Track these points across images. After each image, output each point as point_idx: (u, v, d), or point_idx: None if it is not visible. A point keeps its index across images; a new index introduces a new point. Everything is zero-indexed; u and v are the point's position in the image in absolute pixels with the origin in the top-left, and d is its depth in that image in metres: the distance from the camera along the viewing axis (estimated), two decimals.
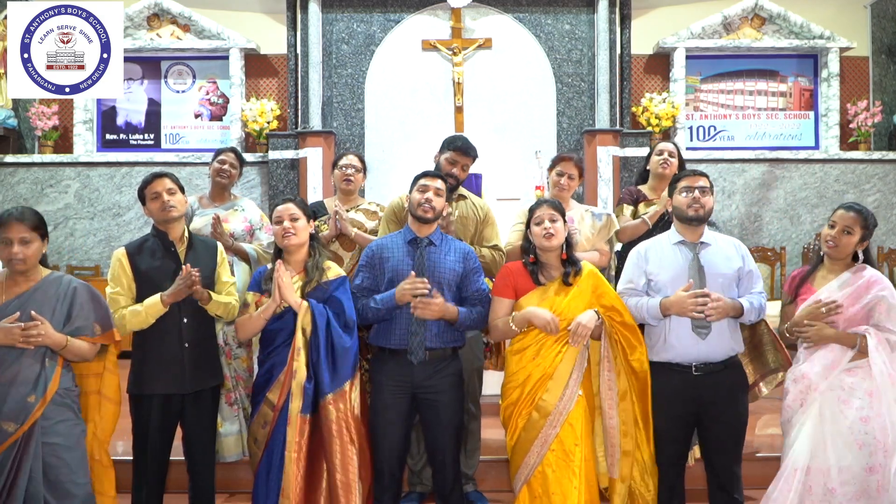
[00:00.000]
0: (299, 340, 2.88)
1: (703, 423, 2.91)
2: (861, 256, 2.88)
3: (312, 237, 3.12)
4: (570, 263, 2.95)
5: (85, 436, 2.80)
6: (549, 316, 2.84)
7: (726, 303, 2.78)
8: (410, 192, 3.14)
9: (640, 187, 3.97)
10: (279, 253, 3.10)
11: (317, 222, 3.27)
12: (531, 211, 3.02)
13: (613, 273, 3.77)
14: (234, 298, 3.13)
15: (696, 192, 2.90)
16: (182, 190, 3.13)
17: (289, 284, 2.92)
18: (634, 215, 3.84)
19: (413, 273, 2.94)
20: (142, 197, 3.09)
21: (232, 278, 3.22)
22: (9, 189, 7.48)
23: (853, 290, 2.80)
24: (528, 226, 3.01)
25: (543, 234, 2.91)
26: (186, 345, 3.00)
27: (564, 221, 2.98)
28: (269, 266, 3.12)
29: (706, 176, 2.99)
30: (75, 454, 2.70)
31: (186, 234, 3.13)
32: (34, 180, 7.52)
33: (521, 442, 2.85)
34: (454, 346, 3.08)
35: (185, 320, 3.01)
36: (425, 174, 3.14)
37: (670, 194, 3.04)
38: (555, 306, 2.89)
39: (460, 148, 3.52)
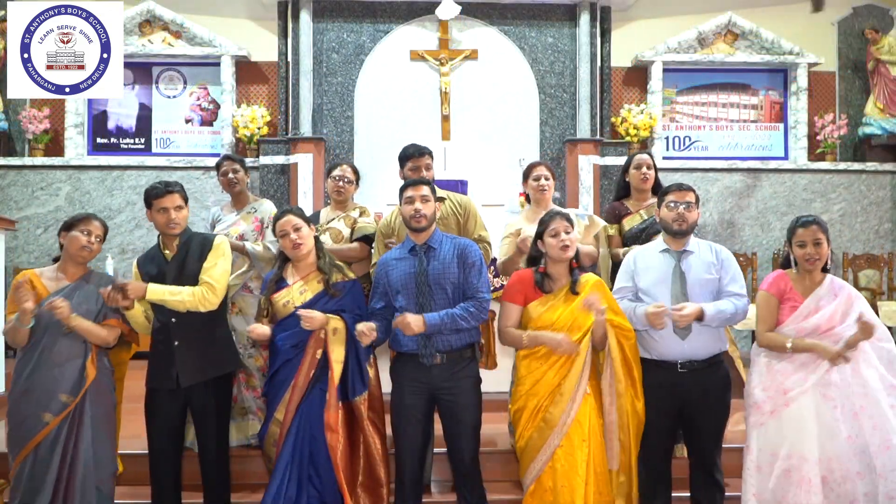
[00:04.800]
0: (336, 353, 3.08)
1: (688, 416, 3.13)
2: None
3: (315, 240, 3.28)
4: (578, 271, 3.09)
5: (115, 411, 3.19)
6: (559, 338, 2.96)
7: (690, 311, 2.96)
8: (400, 204, 3.21)
9: (622, 201, 4.08)
10: (286, 259, 3.24)
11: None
12: (543, 223, 3.11)
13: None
14: (185, 291, 3.13)
15: (682, 208, 3.12)
16: (186, 201, 3.27)
17: (312, 316, 3.06)
18: (620, 232, 3.97)
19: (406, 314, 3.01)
20: (149, 203, 3.20)
21: (216, 268, 3.22)
22: None
23: (836, 305, 3.02)
24: (538, 236, 3.13)
25: (560, 245, 3.03)
26: (176, 342, 3.15)
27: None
28: (274, 270, 3.28)
29: (692, 190, 3.19)
30: (111, 428, 3.16)
31: (185, 239, 3.25)
32: (25, 183, 7.57)
33: (530, 448, 3.01)
34: (469, 342, 3.16)
35: (174, 320, 3.17)
36: (407, 185, 3.20)
37: (658, 205, 3.24)
38: (562, 314, 3.03)
39: (412, 154, 3.67)
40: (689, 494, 3.27)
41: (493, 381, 3.35)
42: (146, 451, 3.28)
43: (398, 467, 3.16)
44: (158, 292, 3.10)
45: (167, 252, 3.25)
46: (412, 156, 3.67)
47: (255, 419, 3.90)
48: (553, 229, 3.06)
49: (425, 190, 3.16)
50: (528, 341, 3.04)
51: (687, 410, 3.12)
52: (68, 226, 3.12)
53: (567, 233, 3.05)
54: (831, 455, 2.94)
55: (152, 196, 3.18)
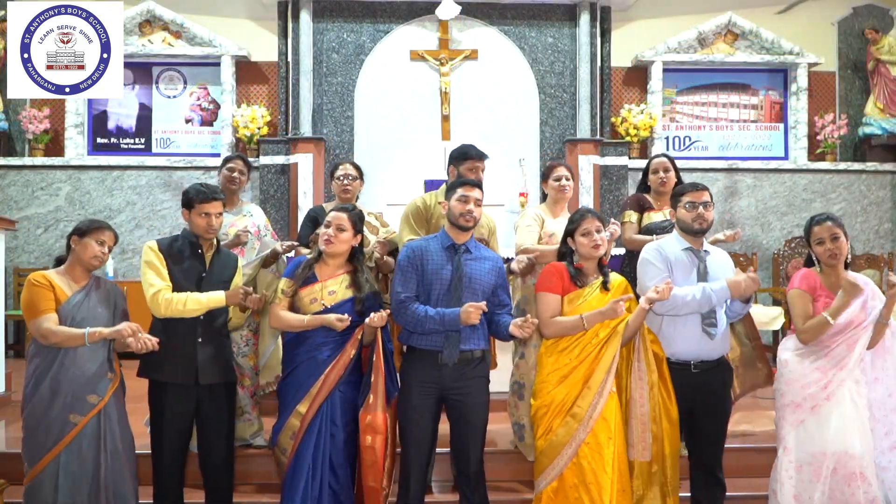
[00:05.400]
0: (381, 354, 3.10)
1: (694, 415, 3.14)
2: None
3: (357, 249, 3.24)
4: (608, 269, 3.15)
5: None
6: (607, 308, 2.99)
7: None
8: (448, 199, 3.19)
9: (647, 195, 4.11)
10: (320, 253, 3.22)
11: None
12: (574, 221, 3.15)
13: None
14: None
15: (700, 209, 3.15)
16: (225, 207, 3.30)
17: (375, 324, 3.04)
18: (640, 222, 4.01)
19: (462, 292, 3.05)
20: (190, 204, 3.19)
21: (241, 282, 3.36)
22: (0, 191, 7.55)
23: (863, 298, 3.04)
24: (569, 234, 3.17)
25: (592, 244, 3.08)
26: (200, 339, 3.16)
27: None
28: (309, 255, 3.26)
29: (707, 189, 3.22)
30: (128, 429, 3.17)
31: (215, 241, 3.30)
32: (25, 183, 7.58)
33: (553, 445, 2.99)
34: (482, 348, 3.15)
35: (202, 317, 3.17)
36: (463, 183, 3.19)
37: (674, 206, 3.26)
38: (595, 309, 3.05)
39: (472, 155, 3.66)
40: (689, 494, 3.27)
41: (494, 381, 3.34)
42: (146, 451, 3.26)
43: (403, 467, 3.16)
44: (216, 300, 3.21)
45: (207, 254, 3.26)
46: (472, 157, 3.64)
47: (250, 418, 3.92)
48: (585, 228, 3.10)
49: (479, 193, 3.18)
50: (587, 323, 3.02)
51: (694, 410, 3.13)
52: (82, 232, 3.08)
53: (598, 232, 3.10)
54: (868, 448, 2.99)
55: (197, 199, 3.17)
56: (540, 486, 3.02)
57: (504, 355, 3.98)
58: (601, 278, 3.14)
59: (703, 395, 3.10)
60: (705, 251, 3.21)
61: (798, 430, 3.05)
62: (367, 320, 3.03)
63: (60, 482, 2.93)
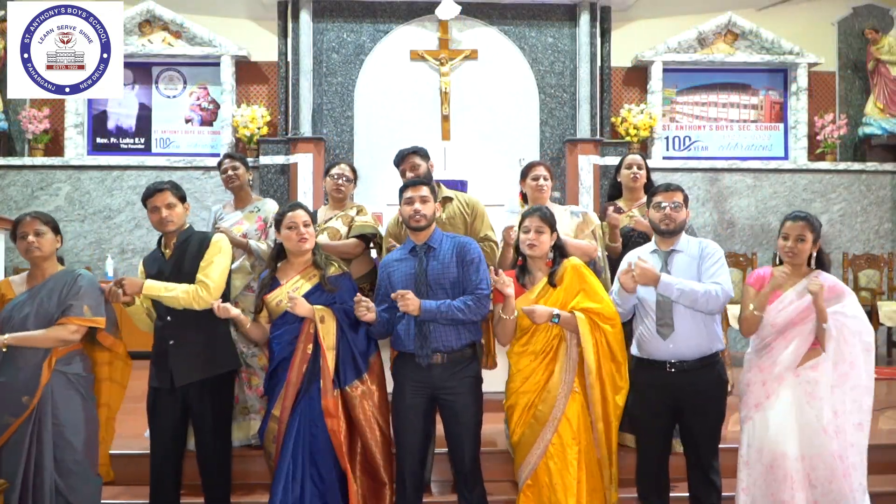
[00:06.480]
0: (327, 341, 3.09)
1: (683, 416, 3.13)
2: (814, 261, 3.10)
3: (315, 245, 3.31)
4: (556, 264, 3.10)
5: (96, 421, 3.15)
6: (533, 309, 2.99)
7: (649, 268, 2.99)
8: (400, 205, 3.22)
9: (616, 202, 4.09)
10: (280, 254, 3.26)
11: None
12: (522, 217, 3.15)
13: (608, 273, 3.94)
14: (179, 288, 3.14)
15: (668, 209, 3.12)
16: (183, 199, 3.27)
17: (297, 300, 3.08)
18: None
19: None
20: (144, 204, 3.26)
21: (213, 266, 3.20)
22: None
23: (808, 301, 3.02)
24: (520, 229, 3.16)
25: (527, 243, 3.07)
26: (171, 342, 3.16)
27: (554, 232, 3.11)
28: (265, 273, 3.28)
29: (681, 190, 3.19)
30: (79, 437, 3.04)
31: (184, 237, 3.27)
32: (24, 183, 7.58)
33: (523, 443, 3.04)
34: (471, 342, 3.15)
35: (169, 318, 3.19)
36: (406, 185, 3.22)
37: (648, 205, 3.25)
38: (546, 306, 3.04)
39: (403, 154, 3.78)
40: (687, 494, 3.27)
41: (493, 380, 3.35)
42: (146, 451, 3.28)
43: (399, 467, 3.17)
44: (155, 288, 3.12)
45: (166, 251, 3.28)
46: (403, 156, 3.77)
47: (257, 418, 3.89)
48: (526, 225, 3.10)
49: (424, 190, 3.17)
50: (504, 313, 3.04)
51: (681, 411, 3.12)
52: (14, 236, 3.11)
53: (539, 232, 3.06)
54: (814, 453, 2.96)
55: (144, 196, 3.24)
56: (519, 480, 3.08)
57: (503, 355, 3.98)
58: (545, 277, 3.10)
59: (689, 396, 3.07)
60: (674, 251, 3.15)
61: (747, 426, 3.10)
62: (356, 310, 3.06)
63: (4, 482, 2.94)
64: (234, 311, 3.11)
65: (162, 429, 3.20)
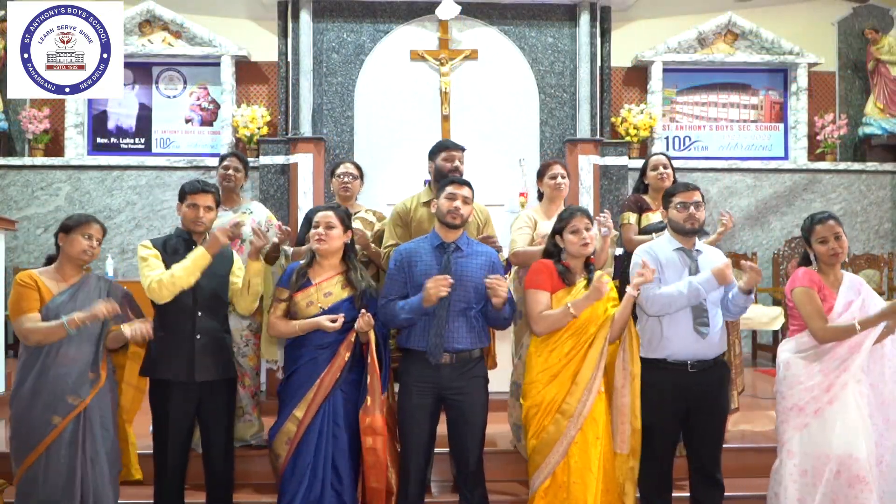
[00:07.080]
0: (374, 355, 3.09)
1: (692, 416, 3.13)
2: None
3: (348, 246, 3.26)
4: (593, 267, 3.15)
5: (117, 415, 3.18)
6: (591, 292, 3.00)
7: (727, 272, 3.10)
8: (438, 197, 3.19)
9: (644, 196, 4.12)
10: (313, 256, 3.23)
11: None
12: (563, 219, 3.14)
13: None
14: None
15: (692, 209, 3.15)
16: (218, 205, 3.32)
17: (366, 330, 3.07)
18: (639, 223, 4.01)
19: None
20: (182, 196, 3.25)
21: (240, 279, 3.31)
22: None
23: (860, 299, 3.06)
24: (557, 232, 3.16)
25: (581, 243, 3.07)
26: (198, 336, 3.16)
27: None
28: (302, 262, 3.25)
29: (698, 189, 3.22)
30: (114, 427, 3.12)
31: (208, 236, 3.28)
32: (24, 183, 7.58)
33: (544, 443, 3.00)
34: (480, 346, 3.16)
35: (200, 314, 3.18)
36: (451, 181, 3.20)
37: (665, 206, 3.26)
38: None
39: (448, 146, 3.78)
40: (688, 494, 3.27)
41: (493, 381, 3.34)
42: (146, 452, 3.27)
43: (403, 467, 3.16)
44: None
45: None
46: (446, 147, 3.76)
47: (250, 418, 3.91)
48: (574, 226, 3.10)
49: (468, 191, 3.18)
50: (575, 309, 3.00)
51: (691, 411, 3.12)
52: (67, 228, 3.06)
53: (587, 230, 3.09)
54: (871, 451, 2.97)
55: (188, 190, 3.24)
56: (534, 485, 3.03)
57: (504, 355, 3.99)
58: (586, 277, 3.12)
59: (700, 396, 3.09)
60: (697, 251, 3.20)
61: (802, 433, 3.02)
62: (355, 325, 3.05)
63: (41, 485, 2.91)
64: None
65: (175, 425, 3.16)
